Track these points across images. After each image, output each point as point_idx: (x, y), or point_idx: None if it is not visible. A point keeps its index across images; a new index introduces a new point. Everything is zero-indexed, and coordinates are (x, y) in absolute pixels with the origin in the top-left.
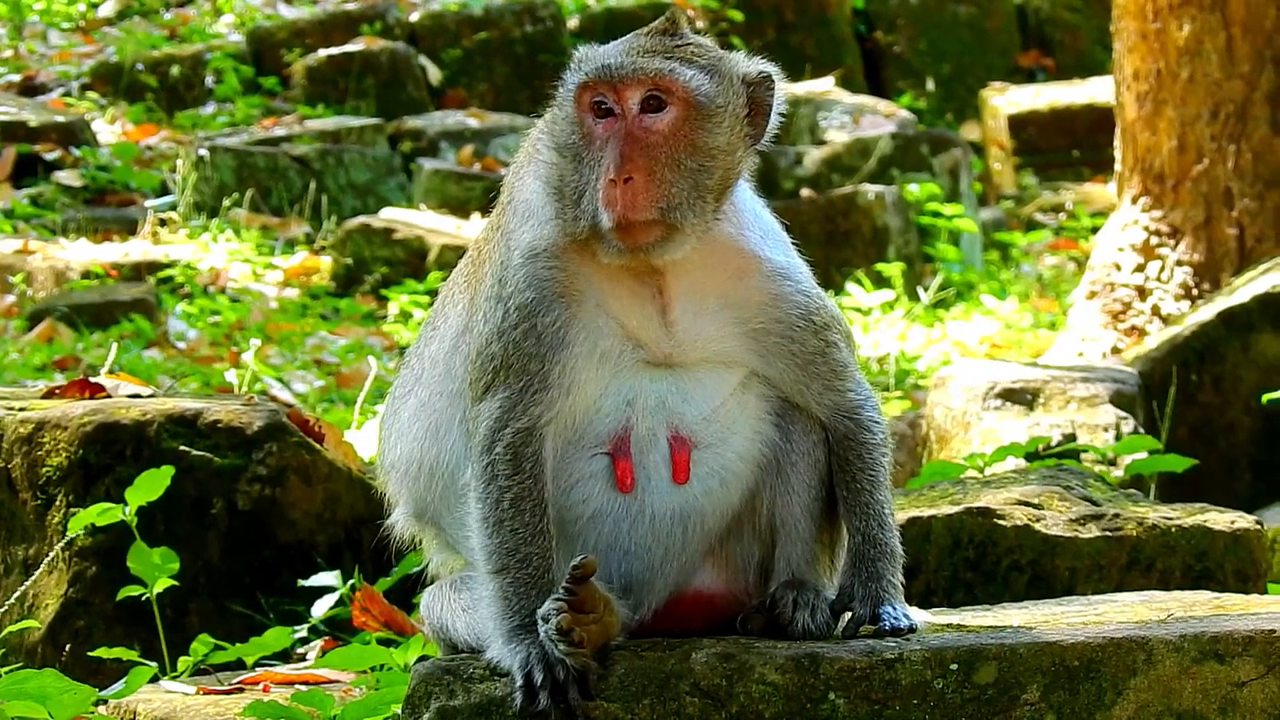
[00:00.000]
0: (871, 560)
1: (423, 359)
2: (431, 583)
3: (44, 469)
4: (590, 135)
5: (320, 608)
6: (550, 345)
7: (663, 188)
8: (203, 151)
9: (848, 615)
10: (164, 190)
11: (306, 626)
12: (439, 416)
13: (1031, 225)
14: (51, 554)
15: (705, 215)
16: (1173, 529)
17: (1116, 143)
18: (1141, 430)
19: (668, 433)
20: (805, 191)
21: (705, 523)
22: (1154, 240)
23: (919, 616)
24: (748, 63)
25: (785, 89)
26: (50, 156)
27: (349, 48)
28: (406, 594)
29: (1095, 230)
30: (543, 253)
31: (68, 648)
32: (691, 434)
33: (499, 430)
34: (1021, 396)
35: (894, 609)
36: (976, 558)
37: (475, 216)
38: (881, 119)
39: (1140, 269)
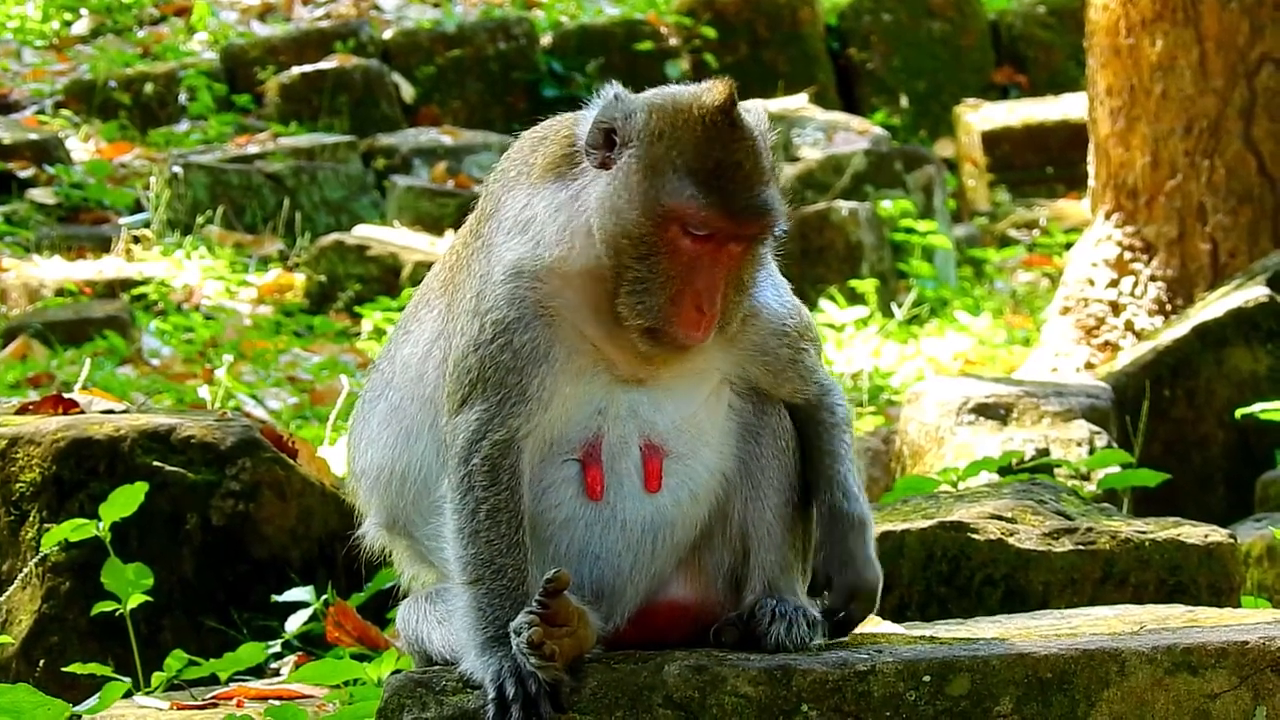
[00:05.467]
0: (840, 538)
1: (393, 362)
2: (406, 597)
3: (17, 485)
4: (675, 247)
5: (294, 623)
6: (528, 360)
7: (731, 307)
8: (176, 169)
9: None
10: (137, 208)
11: (280, 642)
12: (410, 422)
13: (1005, 241)
14: (25, 570)
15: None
16: (1146, 543)
17: (1090, 158)
18: (1115, 445)
19: (639, 440)
20: None
21: (675, 534)
22: (1127, 256)
23: (882, 629)
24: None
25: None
26: (24, 174)
27: (322, 65)
28: (380, 609)
29: (1069, 246)
30: (527, 274)
31: (41, 663)
32: (663, 442)
33: (477, 441)
34: (995, 412)
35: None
36: (950, 572)
37: (449, 233)
38: (855, 135)
39: (1114, 284)
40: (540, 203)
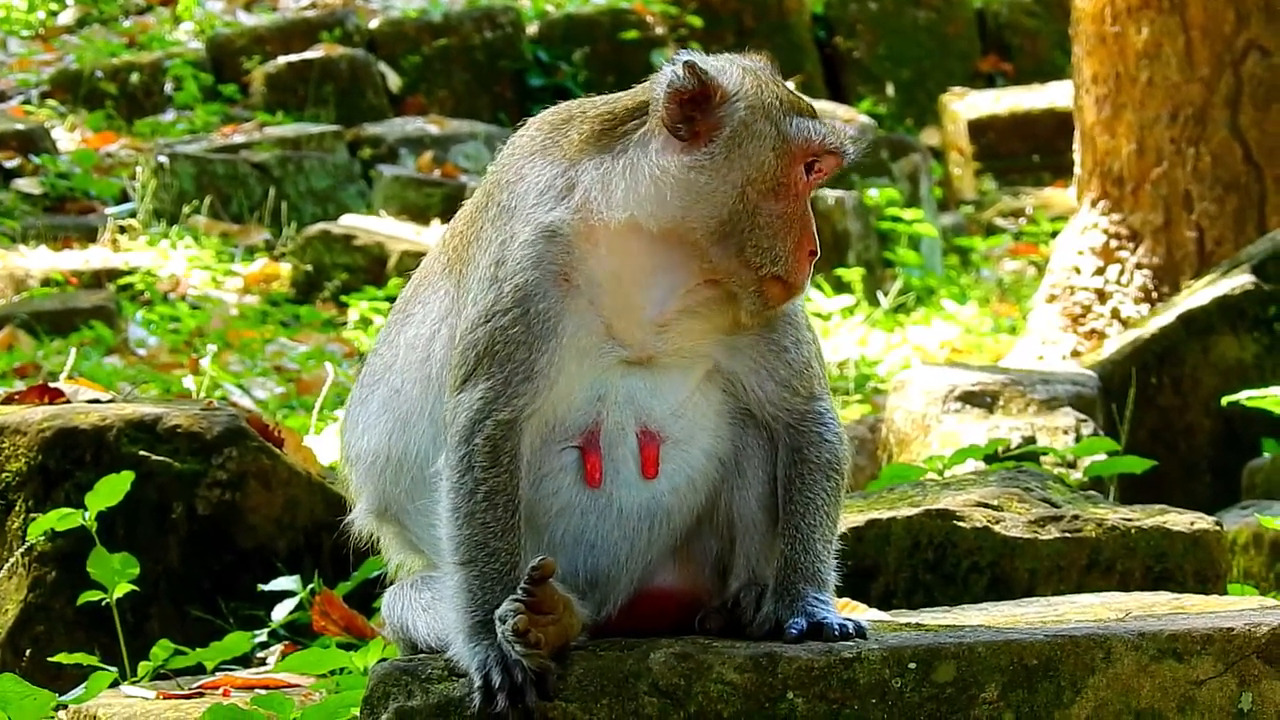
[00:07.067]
0: (791, 583)
1: (394, 346)
2: (392, 585)
3: (3, 474)
4: (796, 190)
5: (280, 612)
6: (539, 334)
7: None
8: (162, 159)
9: (793, 629)
10: (124, 198)
11: (266, 631)
12: (410, 406)
13: (991, 230)
14: (11, 559)
15: None
16: (1132, 530)
17: (1076, 146)
18: (1101, 433)
19: (636, 428)
20: None
21: (672, 521)
22: (1113, 244)
23: (868, 616)
24: None
25: None
26: (10, 164)
27: (308, 55)
28: (366, 598)
29: (1055, 235)
30: (562, 236)
31: (28, 653)
32: (660, 429)
33: (480, 421)
34: (981, 400)
35: (830, 615)
36: (936, 560)
37: (435, 223)
38: (841, 124)
39: (1100, 272)
40: (585, 173)
